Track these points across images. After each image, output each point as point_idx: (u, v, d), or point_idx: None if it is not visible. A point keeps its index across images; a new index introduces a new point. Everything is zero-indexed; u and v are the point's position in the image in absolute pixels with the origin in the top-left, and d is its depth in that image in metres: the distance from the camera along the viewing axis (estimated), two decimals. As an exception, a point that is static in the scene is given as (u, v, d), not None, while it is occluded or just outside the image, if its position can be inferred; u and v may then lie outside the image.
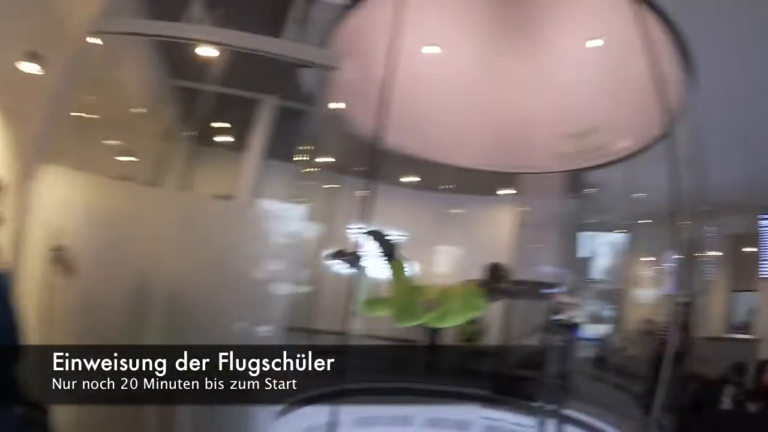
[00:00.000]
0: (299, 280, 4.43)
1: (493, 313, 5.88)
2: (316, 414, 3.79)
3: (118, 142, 5.21)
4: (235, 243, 3.96)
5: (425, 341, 4.45)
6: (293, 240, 4.18)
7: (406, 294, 3.07)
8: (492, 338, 5.80)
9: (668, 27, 4.45)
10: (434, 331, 4.64)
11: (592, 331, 5.87)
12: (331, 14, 4.19)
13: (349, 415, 4.91)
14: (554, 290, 3.22)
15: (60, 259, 3.61)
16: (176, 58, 4.86)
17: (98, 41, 4.16)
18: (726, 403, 5.07)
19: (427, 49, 4.95)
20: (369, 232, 3.25)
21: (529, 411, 4.75)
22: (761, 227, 8.77)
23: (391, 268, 3.13)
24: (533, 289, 3.46)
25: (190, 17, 4.36)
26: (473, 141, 5.63)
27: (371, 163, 2.95)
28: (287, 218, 4.03)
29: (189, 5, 4.35)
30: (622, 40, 4.76)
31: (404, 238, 6.66)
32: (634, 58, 4.64)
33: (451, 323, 3.21)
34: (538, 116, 5.42)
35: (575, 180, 5.85)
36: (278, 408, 4.04)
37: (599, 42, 4.91)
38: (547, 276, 5.64)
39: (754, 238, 9.04)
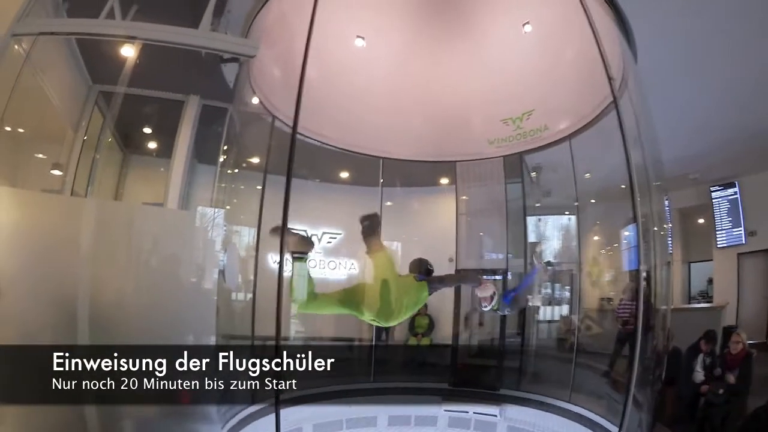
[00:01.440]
0: (236, 286, 4.25)
1: (441, 305, 5.92)
2: (269, 426, 3.58)
3: (44, 156, 5.00)
4: (169, 251, 3.75)
5: (380, 339, 4.27)
6: (227, 245, 4.01)
7: (387, 291, 2.90)
8: (441, 330, 5.79)
9: (608, 4, 4.47)
10: (385, 328, 4.54)
11: (550, 313, 5.91)
12: (250, 3, 4.03)
13: (309, 421, 4.80)
14: (491, 277, 3.16)
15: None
16: (98, 62, 4.65)
17: (17, 47, 3.92)
18: (699, 373, 5.15)
19: (354, 42, 4.82)
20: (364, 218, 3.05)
21: (491, 400, 4.76)
22: (713, 199, 9.13)
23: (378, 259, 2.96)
24: (468, 277, 3.45)
25: (107, 16, 4.14)
26: (408, 132, 5.53)
27: (290, 157, 2.78)
28: (218, 223, 3.85)
29: (105, 4, 4.12)
30: (557, 21, 4.76)
31: (342, 235, 6.73)
32: (570, 38, 4.65)
33: (404, 318, 3.08)
34: (473, 102, 5.36)
35: (516, 164, 5.79)
36: (227, 425, 3.87)
37: (534, 25, 4.86)
38: (493, 263, 5.64)
39: (705, 210, 9.40)
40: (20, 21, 3.98)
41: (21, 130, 4.83)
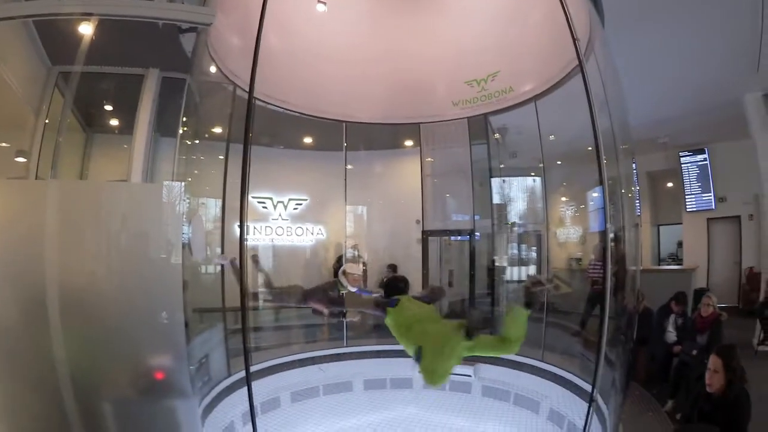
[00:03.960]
0: (203, 258, 4.25)
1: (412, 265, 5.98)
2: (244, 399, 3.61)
3: (7, 144, 4.87)
4: (135, 225, 3.70)
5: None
6: (191, 218, 3.98)
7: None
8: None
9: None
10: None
11: (518, 273, 5.99)
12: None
13: (286, 390, 4.86)
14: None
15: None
16: (56, 43, 4.49)
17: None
18: (671, 333, 5.30)
19: (315, 6, 4.69)
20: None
21: (465, 360, 4.83)
22: (683, 164, 9.33)
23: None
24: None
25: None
26: (371, 95, 5.49)
27: (246, 123, 2.74)
28: (184, 196, 3.81)
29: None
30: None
31: (308, 201, 6.70)
32: (536, 0, 4.64)
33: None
34: (437, 64, 5.34)
35: (481, 126, 5.81)
36: (203, 404, 3.89)
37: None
38: (459, 224, 5.68)
39: (674, 174, 9.61)
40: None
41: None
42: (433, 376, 2.71)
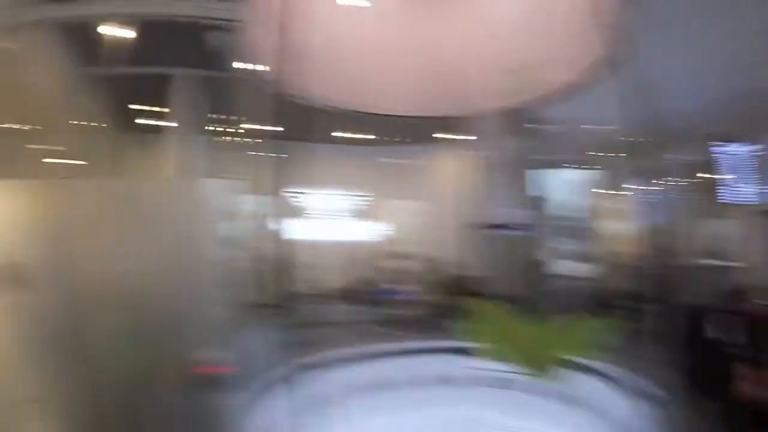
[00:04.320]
0: (253, 255, 4.26)
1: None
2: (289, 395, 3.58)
3: (43, 146, 5.04)
4: (179, 225, 3.75)
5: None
6: (238, 215, 4.00)
7: None
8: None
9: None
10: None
11: (561, 267, 5.81)
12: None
13: (330, 386, 4.78)
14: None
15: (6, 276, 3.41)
16: (86, 45, 4.58)
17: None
18: (711, 331, 5.09)
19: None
20: None
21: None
22: (727, 155, 8.95)
23: None
24: None
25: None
26: (406, 87, 5.29)
27: (289, 120, 2.72)
28: (227, 193, 3.83)
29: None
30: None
31: (353, 196, 6.61)
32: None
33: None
34: (471, 55, 5.06)
35: (518, 117, 5.62)
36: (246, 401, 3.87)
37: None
38: (498, 215, 5.50)
39: (717, 166, 9.21)
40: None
41: (16, 126, 4.82)
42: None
